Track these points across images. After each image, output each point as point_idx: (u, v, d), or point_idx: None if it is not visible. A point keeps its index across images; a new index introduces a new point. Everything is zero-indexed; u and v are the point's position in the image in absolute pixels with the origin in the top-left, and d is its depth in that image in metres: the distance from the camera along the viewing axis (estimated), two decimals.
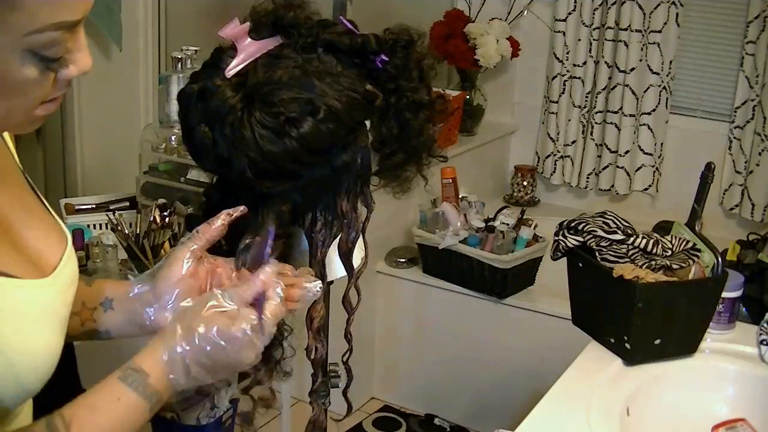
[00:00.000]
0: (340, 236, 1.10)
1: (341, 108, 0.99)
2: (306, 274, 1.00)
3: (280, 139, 0.97)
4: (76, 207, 2.47)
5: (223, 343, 0.89)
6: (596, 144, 3.48)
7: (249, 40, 1.00)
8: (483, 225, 2.80)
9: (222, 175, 1.06)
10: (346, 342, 1.21)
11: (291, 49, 1.01)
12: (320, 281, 1.00)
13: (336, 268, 1.14)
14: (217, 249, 1.08)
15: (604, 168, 3.47)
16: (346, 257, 1.12)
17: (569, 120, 3.49)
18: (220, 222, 1.00)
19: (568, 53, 3.43)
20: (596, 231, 1.60)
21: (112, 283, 1.06)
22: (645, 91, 3.35)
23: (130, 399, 0.88)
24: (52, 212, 0.97)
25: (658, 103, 3.36)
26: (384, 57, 1.04)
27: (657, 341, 1.58)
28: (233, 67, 0.99)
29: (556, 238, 1.68)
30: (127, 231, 2.15)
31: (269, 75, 0.98)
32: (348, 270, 1.13)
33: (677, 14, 3.26)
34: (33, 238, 0.91)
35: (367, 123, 1.06)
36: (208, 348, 0.89)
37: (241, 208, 1.01)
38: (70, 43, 0.79)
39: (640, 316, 1.53)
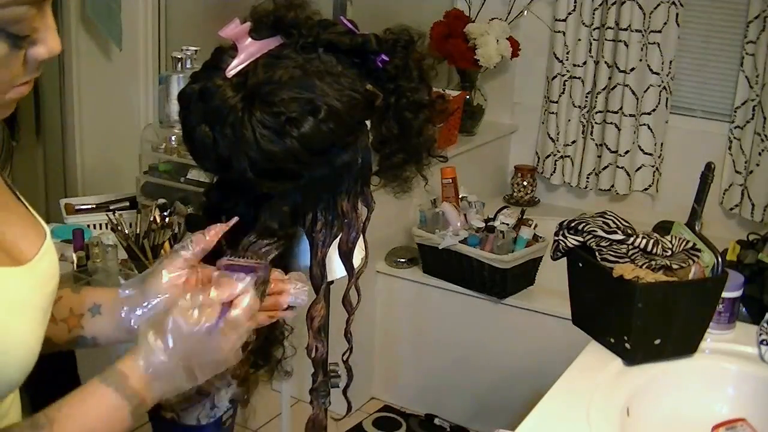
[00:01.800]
0: (340, 236, 1.10)
1: (342, 108, 0.99)
2: (294, 280, 1.03)
3: (280, 138, 0.97)
4: (76, 207, 2.47)
5: (186, 332, 0.90)
6: (596, 144, 3.48)
7: (250, 40, 1.00)
8: (483, 225, 2.80)
9: (222, 175, 1.06)
10: (346, 341, 1.21)
11: (291, 49, 1.01)
12: (305, 287, 1.02)
13: (336, 268, 1.15)
14: (217, 250, 1.09)
15: (604, 168, 3.47)
16: (346, 257, 1.12)
17: (569, 120, 3.49)
18: (213, 233, 1.01)
19: (568, 53, 3.43)
20: (596, 231, 1.60)
21: (100, 290, 1.08)
22: (645, 91, 3.35)
23: (111, 399, 0.89)
24: (31, 209, 0.98)
25: (658, 103, 3.36)
26: (384, 57, 1.04)
27: (657, 341, 1.58)
28: (234, 67, 0.99)
29: (556, 238, 1.68)
30: (127, 231, 2.15)
31: (270, 75, 0.98)
32: (348, 270, 1.13)
33: (677, 14, 3.26)
34: (9, 232, 0.91)
35: (368, 123, 1.06)
36: (178, 341, 0.90)
37: (235, 219, 1.02)
38: (38, 22, 0.79)
39: (640, 316, 1.53)
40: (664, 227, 1.81)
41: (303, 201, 1.07)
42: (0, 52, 0.78)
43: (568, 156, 3.54)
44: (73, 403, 0.88)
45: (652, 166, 3.43)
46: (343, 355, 1.23)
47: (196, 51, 2.52)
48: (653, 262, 1.56)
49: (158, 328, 0.91)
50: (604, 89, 3.41)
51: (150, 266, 2.11)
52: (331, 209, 1.08)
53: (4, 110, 0.84)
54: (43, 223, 0.97)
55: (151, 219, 2.16)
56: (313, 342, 1.16)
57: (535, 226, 2.82)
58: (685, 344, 1.62)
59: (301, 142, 0.98)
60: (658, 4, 3.25)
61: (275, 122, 0.97)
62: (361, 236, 1.13)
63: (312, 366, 1.21)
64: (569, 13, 3.39)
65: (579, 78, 3.43)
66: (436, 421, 2.96)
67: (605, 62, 3.37)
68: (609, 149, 3.45)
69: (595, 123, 3.46)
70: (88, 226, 2.35)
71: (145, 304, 1.01)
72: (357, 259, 1.14)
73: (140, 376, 0.90)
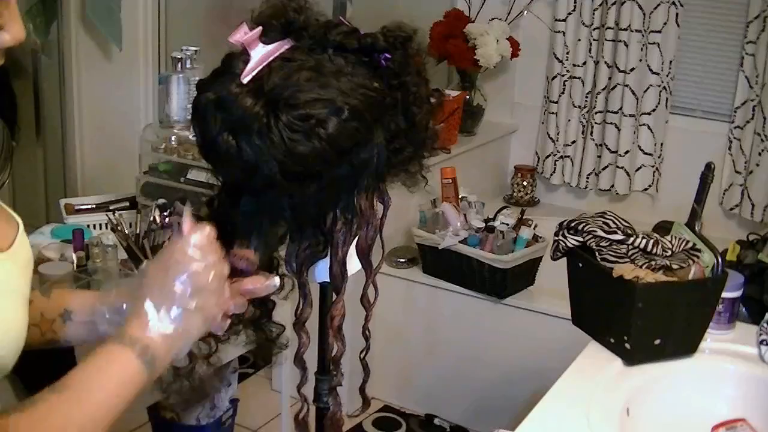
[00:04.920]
0: (359, 234, 1.11)
1: (361, 106, 1.00)
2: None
3: (309, 140, 0.98)
4: (76, 207, 2.47)
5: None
6: (596, 144, 3.48)
7: (261, 44, 1.00)
8: (483, 225, 2.80)
9: (245, 182, 1.06)
10: (364, 339, 1.22)
11: (301, 52, 1.01)
12: (278, 278, 1.07)
13: (352, 264, 1.15)
14: None
15: (604, 168, 3.47)
16: (365, 255, 1.12)
17: (569, 120, 3.49)
18: None
19: (568, 53, 3.43)
20: (596, 231, 1.60)
21: (71, 295, 1.09)
22: (645, 91, 3.35)
23: (133, 365, 0.90)
24: (1, 202, 1.00)
25: (658, 103, 3.36)
26: (387, 54, 1.04)
27: (657, 341, 1.58)
28: (249, 73, 0.99)
29: (556, 238, 1.68)
30: (127, 231, 2.15)
31: (286, 78, 0.98)
32: (366, 267, 1.14)
33: (677, 14, 3.26)
34: None
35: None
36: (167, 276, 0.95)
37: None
38: (2, 8, 0.83)
39: (640, 316, 1.54)
40: (664, 227, 1.81)
41: (325, 201, 1.08)
42: None
43: (568, 156, 3.54)
44: (85, 366, 0.90)
45: (652, 166, 3.43)
46: (361, 352, 1.25)
47: (196, 51, 2.52)
48: (653, 262, 1.56)
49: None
50: (604, 89, 3.41)
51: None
52: (350, 208, 1.09)
53: None
54: (14, 214, 1.00)
55: (151, 219, 2.16)
56: (333, 341, 1.18)
57: (535, 226, 2.82)
58: (685, 344, 1.62)
59: (328, 143, 0.98)
60: (658, 4, 3.25)
61: (303, 125, 0.97)
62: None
63: (331, 364, 1.22)
64: (569, 13, 3.39)
65: (579, 78, 3.43)
66: (436, 421, 2.96)
67: (605, 62, 3.37)
68: (609, 149, 3.45)
69: (595, 123, 3.46)
70: (88, 226, 2.34)
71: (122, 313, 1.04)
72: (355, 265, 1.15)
73: (142, 326, 0.93)
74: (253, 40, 1.00)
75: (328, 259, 1.14)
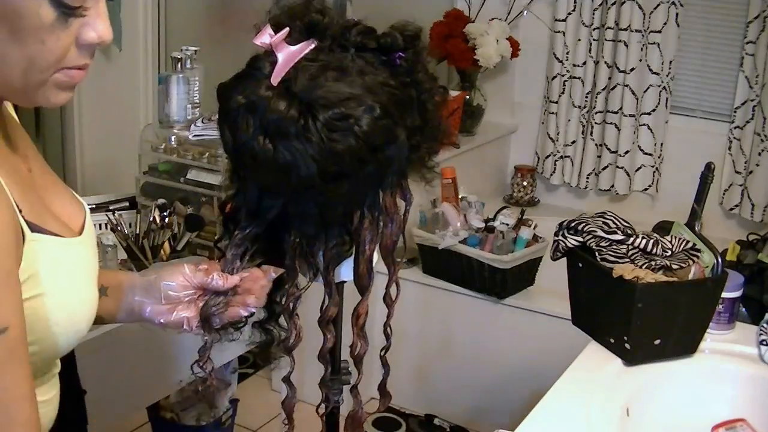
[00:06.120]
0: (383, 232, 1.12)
1: (388, 103, 1.00)
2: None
3: (346, 139, 0.98)
4: None
5: None
6: (596, 144, 3.48)
7: (287, 46, 1.00)
8: (483, 225, 2.80)
9: (277, 184, 1.05)
10: (385, 337, 1.24)
11: (323, 52, 1.01)
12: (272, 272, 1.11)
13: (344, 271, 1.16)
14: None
15: (604, 168, 3.47)
16: (389, 252, 1.13)
17: (569, 120, 3.49)
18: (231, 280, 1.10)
19: (567, 53, 3.43)
20: (596, 231, 1.60)
21: (105, 272, 1.12)
22: (645, 91, 3.35)
23: None
24: (68, 187, 1.04)
25: (658, 103, 3.36)
26: (401, 53, 1.05)
27: (657, 341, 1.58)
28: (279, 74, 0.99)
29: (556, 238, 1.68)
30: (127, 231, 2.16)
31: (313, 78, 0.99)
32: (389, 265, 1.15)
33: (677, 14, 3.26)
34: (60, 204, 0.97)
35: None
36: None
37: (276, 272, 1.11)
38: (90, 2, 0.81)
39: (640, 316, 1.53)
40: (664, 227, 1.81)
41: (352, 200, 1.08)
42: (46, 18, 0.78)
43: (568, 156, 3.54)
44: None
45: (652, 166, 3.43)
46: (382, 350, 1.26)
47: (196, 51, 2.52)
48: (653, 262, 1.56)
49: None
50: (603, 89, 3.41)
51: (149, 266, 2.12)
52: (376, 206, 1.09)
53: (52, 96, 0.85)
54: (80, 198, 1.04)
55: (151, 219, 2.16)
56: (356, 339, 1.19)
57: (535, 226, 2.82)
58: (685, 344, 1.62)
59: (364, 140, 0.99)
60: (658, 4, 3.25)
61: (341, 123, 0.98)
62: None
63: (353, 362, 1.23)
64: (569, 13, 3.40)
65: (579, 78, 3.43)
66: (436, 421, 2.96)
67: (605, 62, 3.37)
68: (609, 149, 3.45)
69: (595, 123, 3.46)
70: None
71: (158, 293, 1.09)
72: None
73: None
74: (280, 41, 1.00)
75: (351, 258, 1.14)
